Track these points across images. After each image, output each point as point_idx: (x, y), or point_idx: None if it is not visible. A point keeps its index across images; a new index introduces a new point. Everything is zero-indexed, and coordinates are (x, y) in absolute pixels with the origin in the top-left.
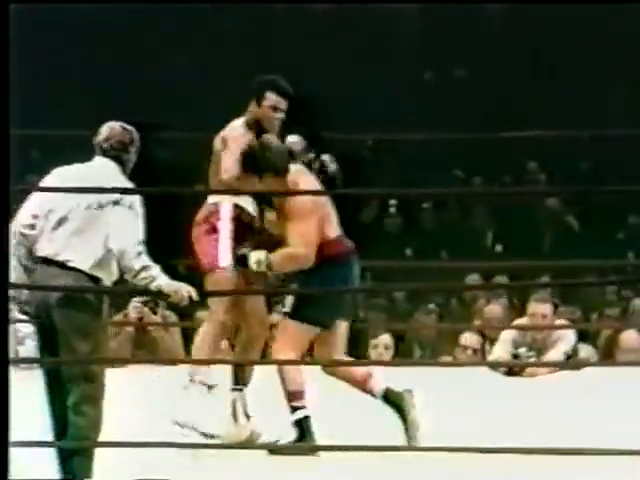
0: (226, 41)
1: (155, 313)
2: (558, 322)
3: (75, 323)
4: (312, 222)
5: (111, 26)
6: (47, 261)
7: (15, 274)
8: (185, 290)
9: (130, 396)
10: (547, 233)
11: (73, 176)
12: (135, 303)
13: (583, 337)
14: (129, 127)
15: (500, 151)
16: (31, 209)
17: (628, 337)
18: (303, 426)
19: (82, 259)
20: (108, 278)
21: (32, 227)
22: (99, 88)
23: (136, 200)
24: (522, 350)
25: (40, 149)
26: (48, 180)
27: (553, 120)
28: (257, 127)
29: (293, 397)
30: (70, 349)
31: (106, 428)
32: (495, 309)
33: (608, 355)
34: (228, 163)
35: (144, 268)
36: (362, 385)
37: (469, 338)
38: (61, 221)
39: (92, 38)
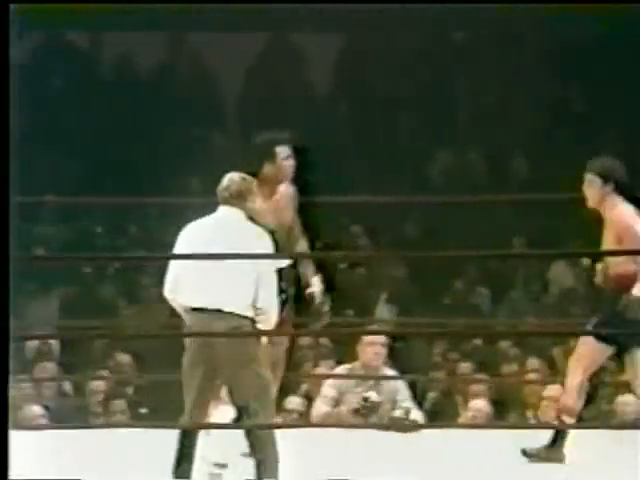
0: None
1: None
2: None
3: (241, 354)
4: None
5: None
6: (201, 310)
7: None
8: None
9: None
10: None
11: (206, 228)
12: None
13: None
14: (248, 177)
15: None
16: (172, 271)
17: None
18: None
19: (235, 305)
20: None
21: (175, 285)
22: None
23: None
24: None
25: None
26: (183, 235)
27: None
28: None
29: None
30: (237, 377)
31: None
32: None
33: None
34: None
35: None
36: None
37: None
38: (205, 274)
39: None
